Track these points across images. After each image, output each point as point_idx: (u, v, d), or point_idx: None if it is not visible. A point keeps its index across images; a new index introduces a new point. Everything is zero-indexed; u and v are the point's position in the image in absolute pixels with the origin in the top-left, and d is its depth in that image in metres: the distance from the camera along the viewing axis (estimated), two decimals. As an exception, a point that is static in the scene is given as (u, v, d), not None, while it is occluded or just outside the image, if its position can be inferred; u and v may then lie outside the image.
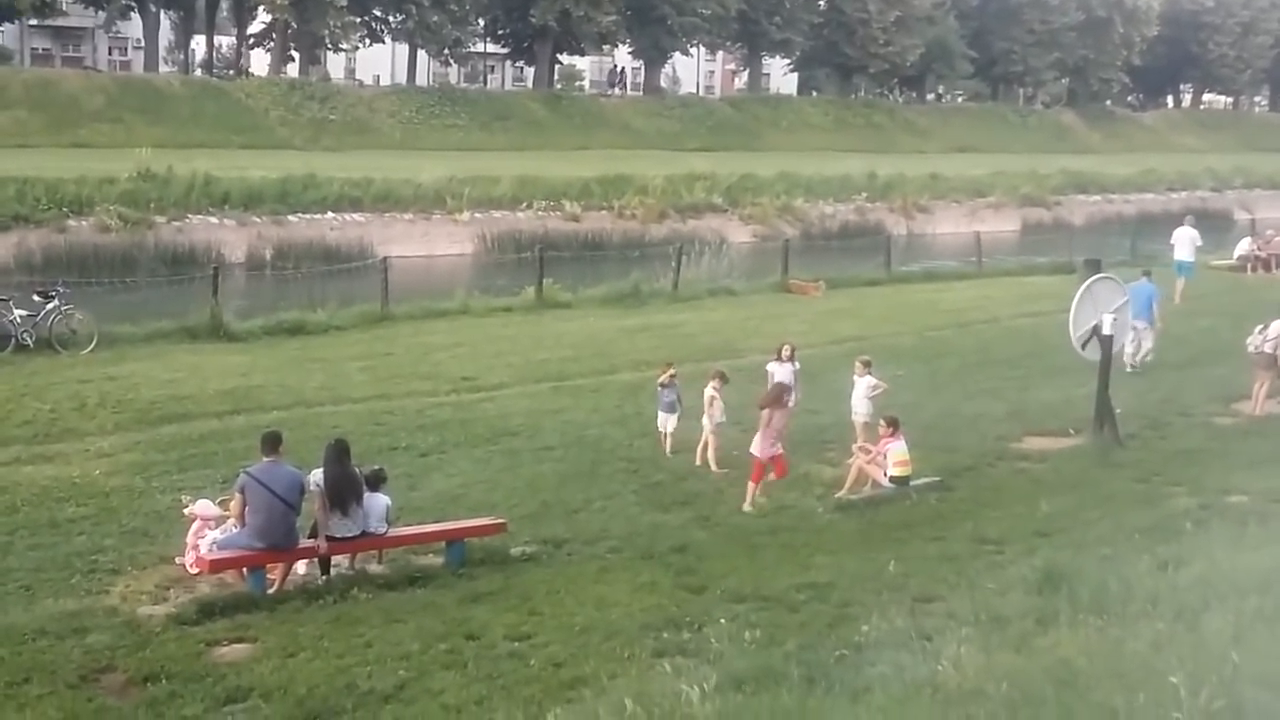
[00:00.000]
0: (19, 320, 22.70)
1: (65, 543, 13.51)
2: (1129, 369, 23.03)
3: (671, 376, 17.79)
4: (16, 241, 35.96)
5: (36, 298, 23.35)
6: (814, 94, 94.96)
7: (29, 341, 22.56)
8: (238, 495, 12.63)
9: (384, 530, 13.08)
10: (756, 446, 15.40)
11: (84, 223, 37.86)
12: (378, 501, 13.09)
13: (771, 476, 15.54)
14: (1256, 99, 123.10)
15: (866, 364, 18.22)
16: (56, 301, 23.24)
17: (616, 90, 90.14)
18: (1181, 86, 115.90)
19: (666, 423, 17.65)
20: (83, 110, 57.63)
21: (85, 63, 78.63)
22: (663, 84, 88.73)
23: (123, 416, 18.62)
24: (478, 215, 45.44)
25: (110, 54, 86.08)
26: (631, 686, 9.39)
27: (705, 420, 17.03)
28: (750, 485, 15.41)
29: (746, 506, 15.26)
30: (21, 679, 10.33)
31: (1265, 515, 13.12)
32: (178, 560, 12.79)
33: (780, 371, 17.86)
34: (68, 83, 60.15)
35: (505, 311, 28.97)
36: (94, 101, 58.59)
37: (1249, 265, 40.10)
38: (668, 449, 17.47)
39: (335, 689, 10.18)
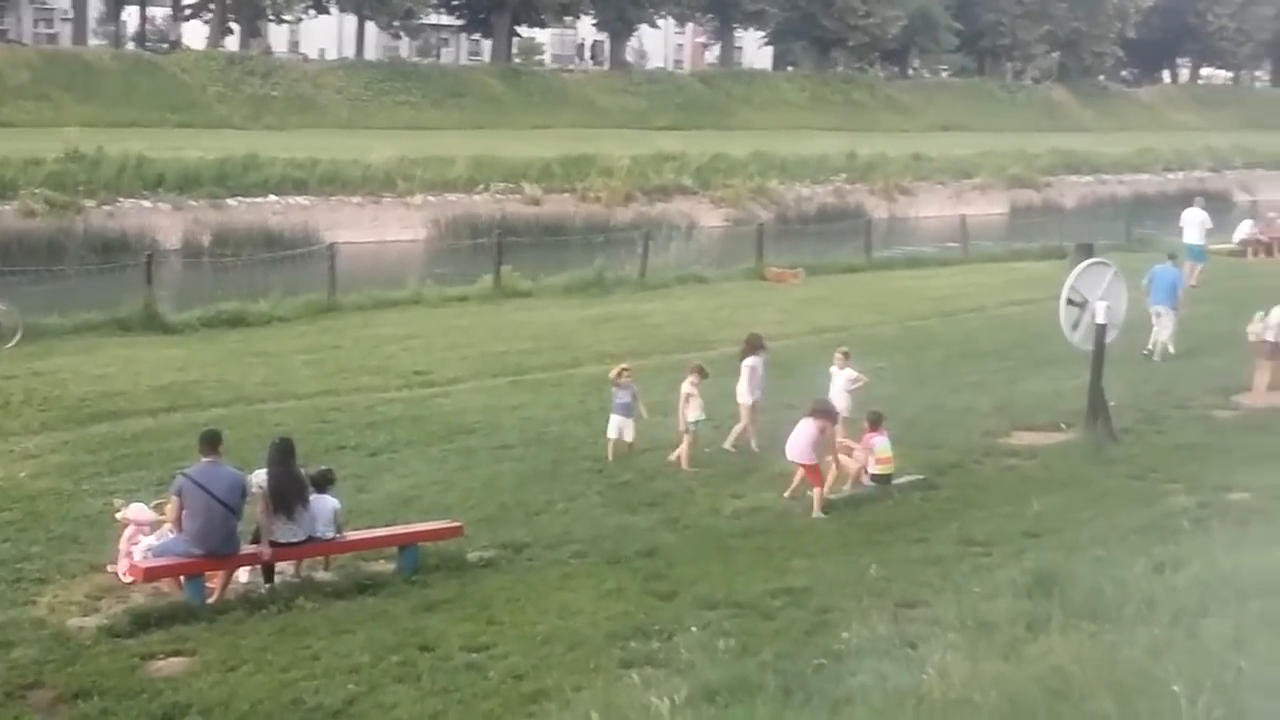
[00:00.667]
0: (-64, 312, 22.53)
1: (-12, 550, 13.42)
2: (1154, 358, 23.49)
3: (625, 373, 17.58)
4: (-66, 227, 35.72)
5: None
6: (790, 69, 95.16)
7: (-52, 337, 22.40)
8: (174, 498, 12.56)
9: (332, 535, 13.04)
10: (802, 454, 15.40)
11: (7, 207, 37.59)
12: (325, 504, 13.04)
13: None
14: (1257, 74, 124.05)
15: (846, 355, 18.27)
16: (-21, 291, 23.07)
17: (586, 65, 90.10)
18: (1178, 61, 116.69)
19: (621, 427, 17.16)
20: (5, 86, 57.19)
21: (8, 35, 78.02)
22: (629, 58, 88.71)
23: (50, 414, 18.49)
24: (431, 198, 45.37)
25: (35, 25, 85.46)
26: (597, 699, 9.40)
27: (681, 417, 17.01)
28: (816, 492, 15.36)
29: (817, 513, 15.22)
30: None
31: (1267, 513, 13.23)
32: (110, 568, 12.71)
33: (751, 363, 17.89)
34: (-11, 57, 59.70)
35: (460, 301, 28.93)
36: (18, 76, 58.15)
37: (1250, 249, 40.41)
38: (610, 455, 17.07)
39: (280, 705, 10.14)
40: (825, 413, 15.82)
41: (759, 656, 9.91)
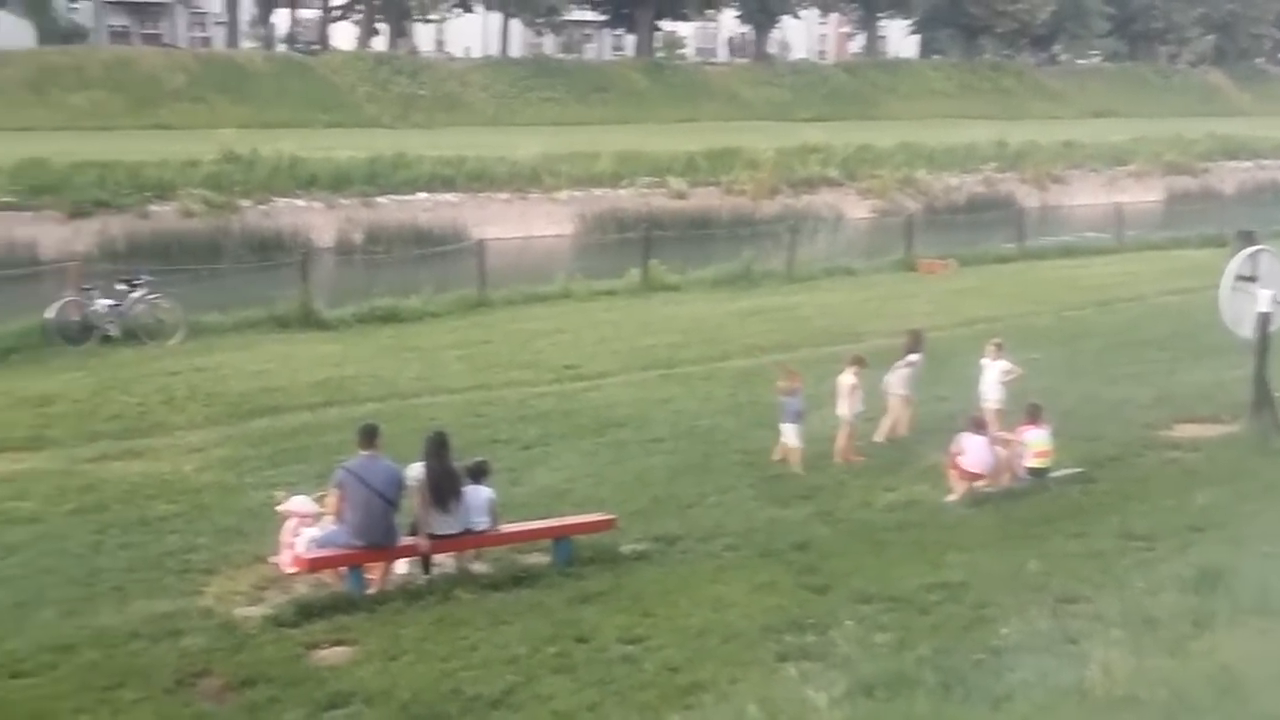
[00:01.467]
0: (104, 311, 23.22)
1: (157, 542, 13.82)
2: None
3: (793, 380, 16.98)
4: (99, 229, 36.82)
5: (121, 287, 23.85)
6: (936, 57, 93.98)
7: (114, 333, 23.07)
8: (334, 491, 12.83)
9: (489, 525, 13.20)
10: (987, 467, 15.37)
11: (167, 208, 38.65)
12: (481, 494, 13.21)
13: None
14: None
15: (999, 347, 18.05)
16: (141, 290, 23.74)
17: (729, 58, 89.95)
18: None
19: (793, 434, 16.63)
20: (163, 89, 58.72)
21: (164, 39, 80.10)
22: (772, 50, 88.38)
23: (212, 410, 18.99)
24: (577, 194, 45.68)
25: (189, 30, 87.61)
26: (753, 692, 9.44)
27: (841, 410, 16.88)
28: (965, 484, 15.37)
29: (955, 500, 15.24)
30: (116, 683, 10.60)
31: None
32: (272, 559, 13.01)
33: (912, 359, 17.79)
34: (147, 61, 61.32)
35: (608, 295, 29.08)
36: (175, 80, 59.68)
37: None
38: (797, 463, 16.52)
39: (440, 694, 10.32)
40: (981, 423, 15.84)
41: (916, 651, 9.87)
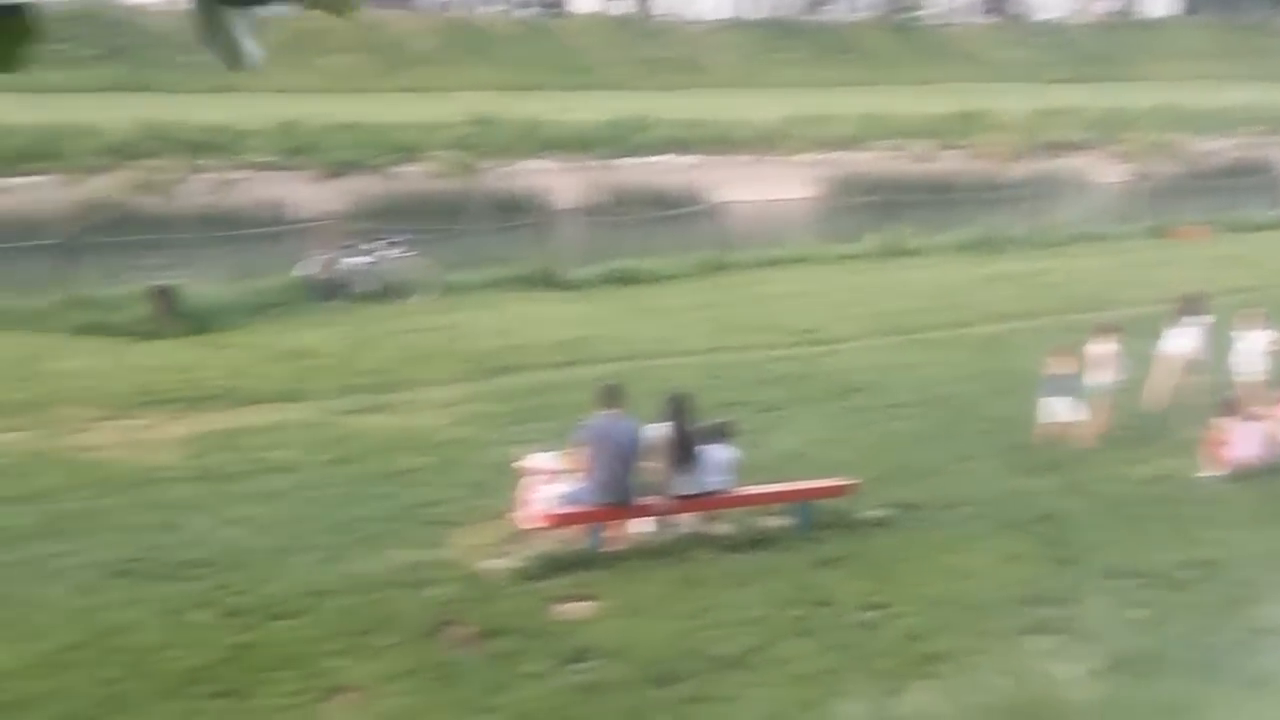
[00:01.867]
0: (357, 268, 23.98)
1: (406, 493, 14.24)
2: None
3: (1067, 358, 16.23)
4: (351, 188, 37.98)
5: (373, 245, 24.60)
6: (1193, 17, 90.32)
7: (367, 289, 23.80)
8: (576, 449, 13.03)
9: (730, 485, 13.25)
10: (1244, 450, 14.94)
11: (416, 169, 39.66)
12: (723, 454, 13.26)
13: None
14: None
15: (1258, 317, 17.36)
16: (394, 249, 24.44)
17: (974, 17, 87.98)
18: None
19: (1071, 408, 15.89)
20: (412, 53, 60.20)
21: (412, 3, 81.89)
22: (1017, 10, 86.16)
23: (459, 366, 19.46)
24: (817, 156, 45.34)
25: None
26: (996, 664, 9.30)
27: (1099, 379, 16.39)
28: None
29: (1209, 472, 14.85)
30: (369, 628, 10.97)
31: None
32: (514, 515, 13.28)
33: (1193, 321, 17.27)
34: (397, 25, 62.89)
35: (849, 259, 28.86)
36: (424, 44, 61.11)
37: None
38: (1084, 436, 15.84)
39: (679, 652, 10.42)
40: (1234, 404, 15.28)
41: (1172, 629, 9.58)
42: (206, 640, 10.75)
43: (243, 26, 3.21)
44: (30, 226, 30.07)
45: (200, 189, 35.95)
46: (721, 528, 13.45)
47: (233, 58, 3.23)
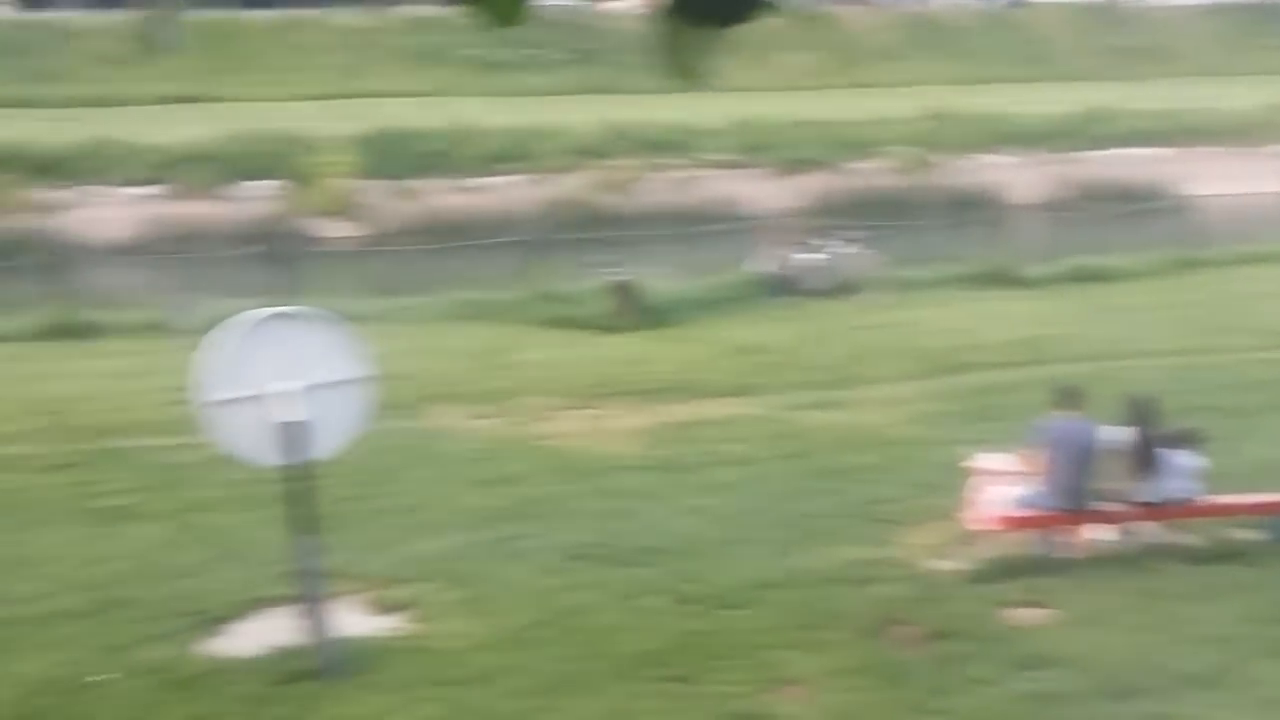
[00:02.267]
0: (810, 265, 24.17)
1: (854, 490, 14.25)
2: None
3: None
4: (806, 186, 38.34)
5: (827, 242, 24.74)
6: None
7: (819, 286, 23.96)
8: (1029, 451, 12.69)
9: (1196, 494, 12.62)
10: None
11: (868, 165, 39.63)
12: (1188, 462, 12.64)
13: None
14: None
15: None
16: (847, 246, 24.51)
17: None
18: None
19: None
20: (868, 49, 60.15)
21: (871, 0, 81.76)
22: None
23: (909, 364, 19.32)
24: (1300, 147, 42.58)
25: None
26: None
27: None
28: None
29: None
30: (815, 623, 11.06)
31: None
32: (963, 516, 13.06)
33: None
34: (854, 21, 62.95)
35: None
36: (880, 39, 60.96)
37: None
38: None
39: (1142, 667, 10.00)
40: None
41: None
42: (659, 625, 11.10)
43: (698, 46, 3.28)
44: (502, 224, 31.83)
45: (659, 187, 37.09)
46: (1186, 538, 12.82)
47: (687, 75, 3.30)
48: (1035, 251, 27.90)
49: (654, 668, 10.41)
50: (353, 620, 11.20)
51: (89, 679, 10.22)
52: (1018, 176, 40.15)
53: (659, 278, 24.31)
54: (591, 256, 28.86)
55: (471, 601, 11.55)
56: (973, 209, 35.07)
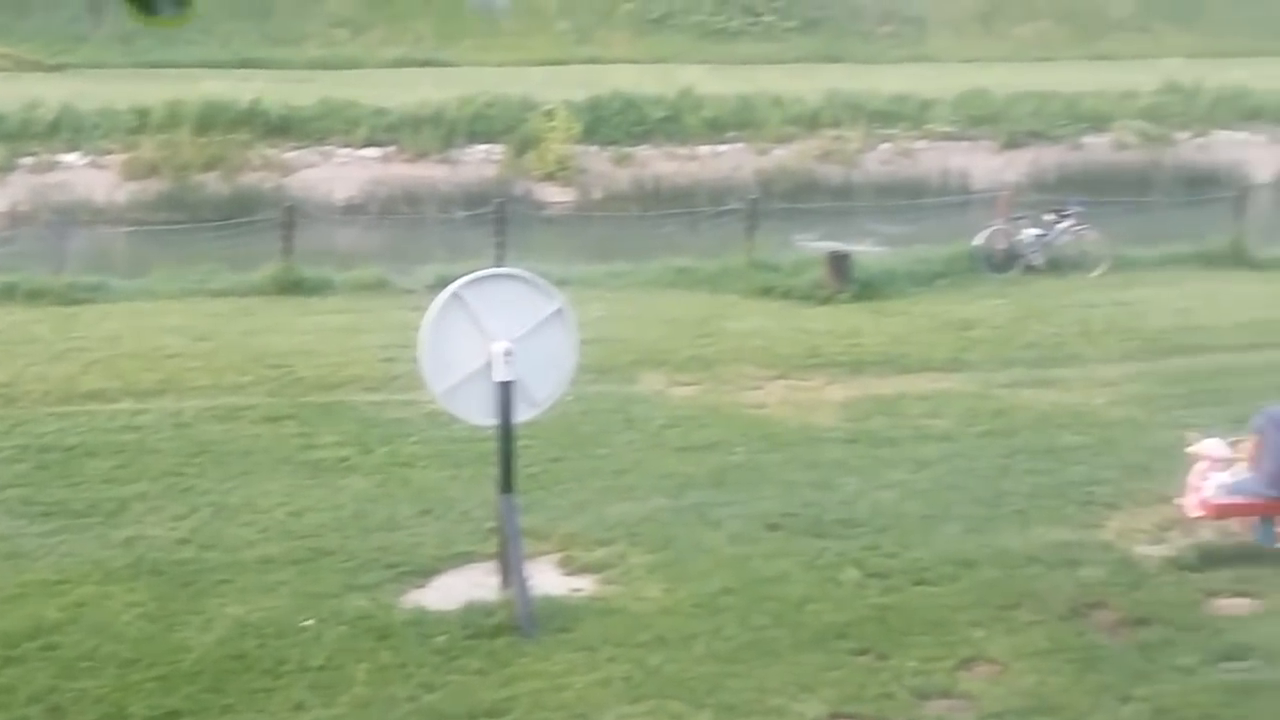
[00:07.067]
0: (1029, 240, 23.71)
1: (1061, 471, 14.00)
2: None
3: None
4: (1031, 159, 37.48)
5: (1048, 217, 24.22)
6: None
7: (1038, 262, 23.50)
8: (1253, 437, 12.33)
9: None
10: None
11: (1102, 139, 38.60)
12: None
13: None
14: None
15: None
16: (1068, 221, 23.97)
17: None
18: None
19: None
20: (1108, 19, 58.47)
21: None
22: None
23: (1129, 344, 18.86)
24: None
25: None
26: None
27: None
28: None
29: None
30: (1012, 603, 10.96)
31: None
32: (1177, 501, 12.75)
33: None
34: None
35: None
36: (1120, 9, 59.21)
37: None
38: None
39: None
40: None
41: None
42: (851, 598, 11.12)
43: None
44: (721, 192, 31.91)
45: (881, 158, 36.73)
46: None
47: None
48: (1273, 233, 26.91)
49: (844, 640, 10.45)
50: (548, 579, 11.47)
51: (298, 624, 10.66)
52: (1258, 155, 38.65)
53: (875, 250, 24.08)
54: (808, 227, 28.84)
55: (665, 566, 11.71)
56: (1209, 187, 33.89)
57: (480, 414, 11.19)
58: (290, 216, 22.72)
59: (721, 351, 18.24)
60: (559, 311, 11.22)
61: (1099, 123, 39.14)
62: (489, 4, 4.00)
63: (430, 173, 33.98)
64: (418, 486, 13.47)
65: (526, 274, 11.60)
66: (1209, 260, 24.01)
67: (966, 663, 10.14)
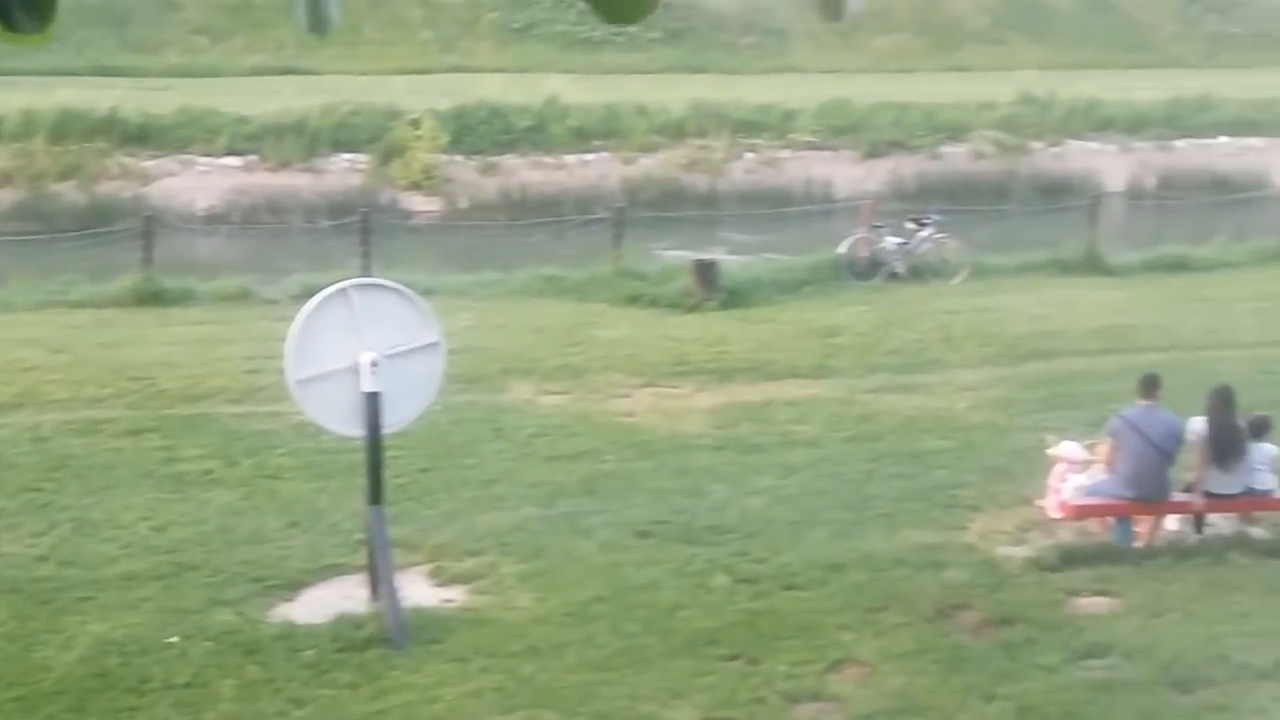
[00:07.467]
0: (892, 248, 24.04)
1: (925, 475, 14.20)
2: None
3: None
4: (892, 168, 38.07)
5: (910, 225, 24.58)
6: None
7: (900, 270, 23.83)
8: (1108, 440, 12.63)
9: (1272, 485, 12.49)
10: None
11: (958, 149, 39.29)
12: (1263, 451, 12.53)
13: None
14: None
15: None
16: (929, 230, 24.34)
17: None
18: None
19: None
20: (964, 31, 59.55)
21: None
22: None
23: (989, 350, 19.18)
24: (1405, 138, 41.67)
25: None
26: None
27: None
28: None
29: None
30: (879, 606, 11.10)
31: None
32: (1038, 502, 13.01)
33: None
34: (951, 3, 62.34)
35: None
36: (976, 22, 60.34)
37: None
38: None
39: (1204, 657, 9.98)
40: None
41: None
42: (721, 604, 11.18)
43: None
44: (587, 201, 31.95)
45: (746, 167, 37.01)
46: (1260, 531, 12.70)
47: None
48: (1124, 240, 27.59)
49: (715, 645, 10.50)
50: (419, 590, 11.38)
51: (163, 640, 10.44)
52: (1111, 164, 39.65)
53: (741, 258, 24.23)
54: (674, 235, 28.98)
55: (536, 575, 11.68)
56: (1063, 196, 34.66)
57: (348, 425, 11.08)
58: (150, 226, 22.30)
59: (590, 360, 18.23)
60: (426, 321, 11.15)
61: (957, 133, 39.82)
62: (319, 24, 3.98)
63: (293, 182, 33.52)
64: (285, 499, 13.28)
65: (393, 284, 11.51)
66: (1064, 267, 24.54)
67: (836, 665, 10.24)
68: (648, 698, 9.76)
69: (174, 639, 10.46)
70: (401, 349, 10.92)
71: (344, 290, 11.02)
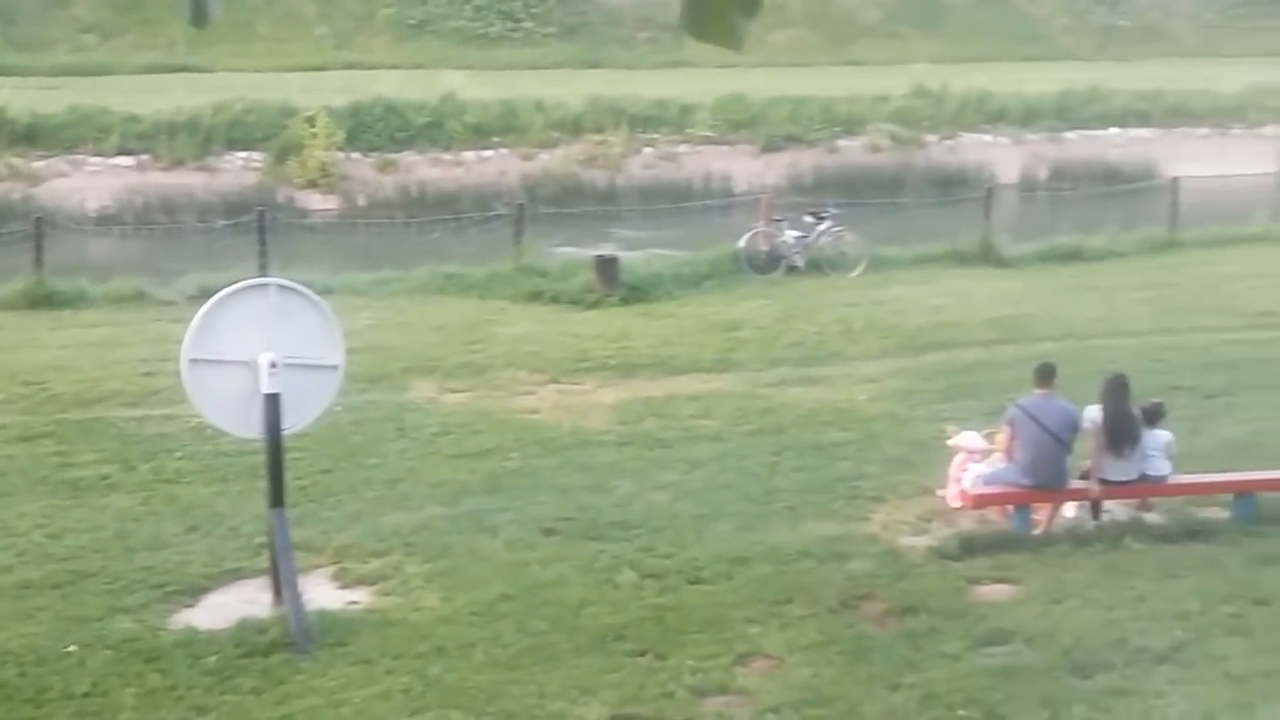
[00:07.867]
0: (790, 242, 24.19)
1: (828, 467, 14.30)
2: None
3: None
4: (789, 162, 38.31)
5: (808, 219, 24.75)
6: None
7: (799, 263, 23.99)
8: (1006, 428, 12.79)
9: (1166, 470, 12.72)
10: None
11: (855, 143, 39.61)
12: (1158, 438, 12.76)
13: None
14: None
15: None
16: (827, 223, 24.52)
17: None
18: None
19: None
20: (857, 26, 60.04)
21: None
22: None
23: (888, 342, 19.37)
24: (1287, 129, 42.64)
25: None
26: None
27: None
28: None
29: None
30: (785, 598, 11.14)
31: None
32: (939, 492, 13.15)
33: None
34: (845, -2, 62.87)
35: (1317, 238, 27.04)
36: (869, 16, 60.86)
37: None
38: None
39: (1103, 642, 10.13)
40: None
41: None
42: (628, 600, 11.17)
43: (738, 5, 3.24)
44: (485, 198, 31.83)
45: (644, 162, 37.05)
46: (1154, 517, 12.93)
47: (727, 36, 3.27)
48: (1018, 231, 27.96)
49: (622, 641, 10.49)
50: (323, 593, 11.27)
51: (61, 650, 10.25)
52: (1003, 155, 40.19)
53: (641, 253, 24.25)
54: (574, 231, 28.95)
55: (442, 575, 11.61)
56: (958, 188, 35.09)
57: (247, 427, 10.94)
58: (40, 228, 21.89)
59: (492, 357, 18.16)
60: (325, 320, 11.02)
61: (852, 126, 40.14)
62: (199, 17, 3.89)
63: (187, 181, 33.07)
64: (184, 503, 13.09)
65: (291, 283, 11.37)
66: (960, 258, 24.83)
67: (743, 659, 10.27)
68: (556, 695, 9.73)
69: (72, 648, 10.26)
70: (301, 348, 10.79)
71: (240, 290, 10.88)
